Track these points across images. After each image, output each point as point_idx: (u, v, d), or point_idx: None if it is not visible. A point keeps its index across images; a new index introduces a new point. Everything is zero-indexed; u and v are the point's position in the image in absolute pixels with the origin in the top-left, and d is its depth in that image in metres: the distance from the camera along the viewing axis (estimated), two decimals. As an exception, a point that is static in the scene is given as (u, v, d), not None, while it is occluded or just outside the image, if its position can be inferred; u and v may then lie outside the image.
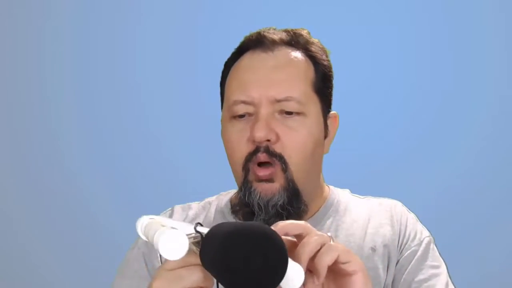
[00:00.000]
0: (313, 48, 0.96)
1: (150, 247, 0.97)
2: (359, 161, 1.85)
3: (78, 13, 2.00)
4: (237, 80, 0.94)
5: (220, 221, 0.97)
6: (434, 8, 1.94)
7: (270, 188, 0.90)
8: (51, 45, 2.00)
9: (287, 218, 0.86)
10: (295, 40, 0.96)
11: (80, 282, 1.95)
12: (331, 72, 0.98)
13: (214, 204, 1.04)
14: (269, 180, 0.90)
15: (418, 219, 1.02)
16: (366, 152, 1.88)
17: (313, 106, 0.93)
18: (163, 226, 0.65)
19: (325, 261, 0.67)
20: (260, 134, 0.88)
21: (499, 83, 1.94)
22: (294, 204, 0.91)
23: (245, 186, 0.92)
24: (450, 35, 1.94)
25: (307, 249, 0.67)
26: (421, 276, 0.93)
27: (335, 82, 1.01)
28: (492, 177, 1.93)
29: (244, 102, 0.91)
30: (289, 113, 0.91)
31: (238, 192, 0.94)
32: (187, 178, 1.94)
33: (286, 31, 0.97)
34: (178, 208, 1.05)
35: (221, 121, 0.98)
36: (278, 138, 0.90)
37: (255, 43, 0.96)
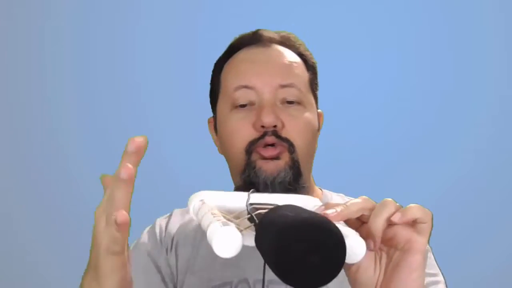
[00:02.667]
0: (302, 48, 1.00)
1: (153, 244, 0.98)
2: (358, 161, 1.85)
3: (78, 13, 2.00)
4: (237, 70, 0.97)
5: None
6: (434, 8, 1.94)
7: (276, 166, 0.91)
8: (51, 45, 2.00)
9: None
10: (287, 41, 1.00)
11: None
12: (317, 73, 1.02)
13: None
14: (275, 158, 0.91)
15: None
16: (366, 153, 1.88)
17: (310, 99, 0.97)
18: (215, 215, 0.64)
19: (379, 220, 0.64)
20: (269, 119, 0.90)
21: (499, 83, 1.94)
22: (299, 182, 0.92)
23: (249, 166, 0.92)
24: (450, 35, 1.94)
25: (377, 223, 0.64)
26: None
27: (335, 81, 1.01)
28: (492, 177, 1.93)
29: (246, 87, 0.93)
30: (290, 102, 0.93)
31: (240, 176, 0.93)
32: (188, 178, 1.94)
33: (276, 32, 1.01)
34: (177, 212, 1.05)
35: (216, 117, 1.01)
36: (283, 125, 0.92)
37: (250, 40, 0.99)
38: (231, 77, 0.96)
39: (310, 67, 0.99)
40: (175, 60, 1.99)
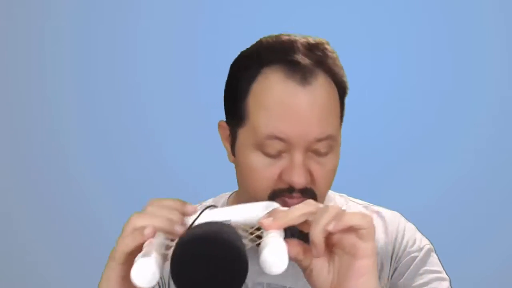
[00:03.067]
0: (336, 69, 0.89)
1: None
2: (358, 161, 1.85)
3: (78, 13, 2.00)
4: (268, 112, 0.85)
5: None
6: (434, 8, 1.94)
7: None
8: (51, 45, 2.00)
9: (306, 237, 0.81)
10: (324, 61, 0.87)
11: (80, 282, 1.95)
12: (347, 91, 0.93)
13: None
14: None
15: (417, 229, 1.00)
16: (366, 153, 1.88)
17: (339, 133, 0.90)
18: (148, 245, 0.66)
19: (317, 228, 0.66)
20: (301, 181, 0.84)
21: (499, 83, 1.94)
22: None
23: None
24: (450, 35, 1.94)
25: (315, 231, 0.66)
26: (420, 281, 0.92)
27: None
28: (492, 178, 1.93)
29: (278, 139, 0.84)
30: (325, 153, 0.86)
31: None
32: (188, 179, 1.94)
33: (310, 46, 0.88)
34: None
35: (236, 139, 0.91)
36: (311, 175, 0.86)
37: (281, 58, 0.86)
38: (262, 119, 0.85)
39: (341, 91, 0.90)
40: (175, 60, 1.99)
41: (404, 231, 0.97)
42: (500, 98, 1.93)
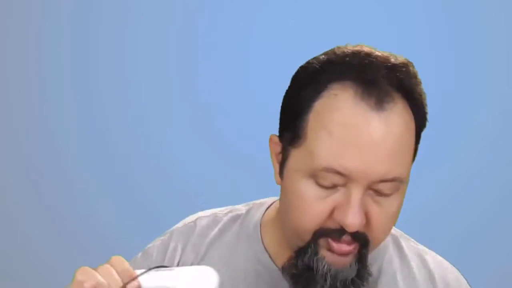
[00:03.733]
0: (418, 97, 0.77)
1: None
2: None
3: (78, 13, 2.00)
4: (330, 137, 0.72)
5: (239, 249, 0.85)
6: (434, 8, 1.94)
7: (343, 261, 0.75)
8: (51, 45, 2.00)
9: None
10: (405, 85, 0.75)
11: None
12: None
13: (238, 223, 0.88)
14: (344, 255, 0.75)
15: None
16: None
17: (408, 177, 0.77)
18: None
19: None
20: (356, 222, 0.72)
21: (499, 83, 1.94)
22: (364, 275, 0.77)
23: (311, 249, 0.75)
24: (450, 35, 1.94)
25: None
26: None
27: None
28: (492, 178, 1.93)
29: (338, 173, 0.72)
30: (388, 195, 0.74)
31: (297, 250, 0.77)
32: (188, 179, 1.94)
33: (392, 65, 0.75)
34: (176, 236, 0.90)
35: (283, 150, 0.79)
36: (367, 218, 0.74)
37: (355, 74, 0.73)
38: (322, 145, 0.72)
39: (421, 123, 0.78)
40: (175, 60, 1.99)
41: None
42: (500, 98, 1.93)
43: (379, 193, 0.74)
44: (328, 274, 0.74)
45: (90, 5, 1.99)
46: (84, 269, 0.68)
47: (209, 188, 1.88)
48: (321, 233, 0.74)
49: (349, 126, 0.71)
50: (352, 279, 0.75)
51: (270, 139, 0.82)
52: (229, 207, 0.92)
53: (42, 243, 1.99)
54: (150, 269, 0.66)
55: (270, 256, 0.83)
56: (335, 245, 0.74)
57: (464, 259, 1.81)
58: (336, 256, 0.75)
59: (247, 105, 1.88)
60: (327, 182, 0.73)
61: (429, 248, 0.96)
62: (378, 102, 0.72)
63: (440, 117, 1.94)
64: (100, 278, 0.66)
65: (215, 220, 0.89)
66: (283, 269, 0.79)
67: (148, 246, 0.92)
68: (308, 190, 0.74)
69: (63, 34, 2.00)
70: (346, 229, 0.72)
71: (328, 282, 0.74)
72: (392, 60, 0.75)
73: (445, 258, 0.97)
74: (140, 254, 0.92)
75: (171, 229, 0.92)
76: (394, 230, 0.90)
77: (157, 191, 1.95)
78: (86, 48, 2.00)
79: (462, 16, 1.92)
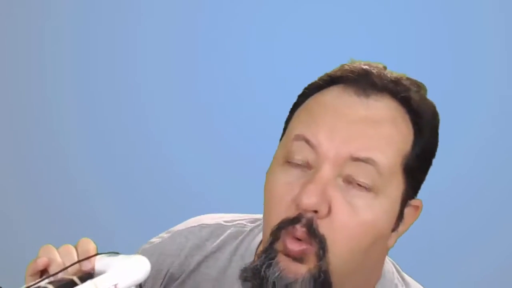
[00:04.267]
0: (424, 115, 0.74)
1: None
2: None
3: (78, 13, 2.00)
4: (309, 113, 0.71)
5: (231, 272, 0.80)
6: (434, 8, 1.94)
7: (296, 271, 0.68)
8: (51, 45, 2.00)
9: None
10: (404, 94, 0.73)
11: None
12: (435, 147, 0.77)
13: (238, 240, 0.82)
14: (298, 259, 0.68)
15: None
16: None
17: (394, 187, 0.71)
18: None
19: None
20: (309, 200, 0.66)
21: (499, 83, 1.93)
22: None
23: (268, 253, 0.70)
24: (450, 35, 1.94)
25: None
26: None
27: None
28: (492, 178, 1.93)
29: (307, 142, 0.69)
30: (360, 186, 0.68)
31: (260, 253, 0.72)
32: (188, 178, 1.94)
33: (396, 79, 0.74)
34: (174, 238, 0.86)
35: (272, 163, 0.75)
36: (329, 212, 0.67)
37: (351, 77, 0.73)
38: (298, 120, 0.72)
39: (422, 143, 0.72)
40: (175, 60, 1.99)
41: None
42: (500, 98, 1.93)
43: (350, 181, 0.68)
44: (277, 284, 0.68)
45: (90, 5, 1.99)
46: (46, 247, 0.70)
47: (209, 188, 1.88)
48: (280, 226, 0.69)
49: (328, 105, 0.71)
50: None
51: None
52: (236, 217, 0.86)
53: (42, 243, 1.99)
54: (102, 253, 0.69)
55: None
56: (288, 242, 0.68)
57: (464, 259, 1.81)
58: (289, 261, 0.68)
59: (247, 105, 1.88)
60: (298, 156, 0.69)
61: (429, 248, 0.95)
62: (365, 92, 0.71)
63: (440, 117, 1.94)
64: (57, 255, 0.67)
65: (217, 232, 0.83)
66: (241, 271, 0.73)
67: (149, 243, 0.89)
68: (279, 176, 0.71)
69: (63, 34, 2.00)
70: (300, 205, 0.67)
71: None
72: (403, 78, 0.74)
73: (444, 258, 0.97)
74: (140, 249, 0.89)
75: (174, 230, 0.87)
76: (398, 279, 0.81)
77: (157, 191, 1.95)
78: (86, 48, 2.00)
79: (462, 16, 1.92)
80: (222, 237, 0.82)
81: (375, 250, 0.71)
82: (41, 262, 0.67)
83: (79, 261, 0.65)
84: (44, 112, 2.01)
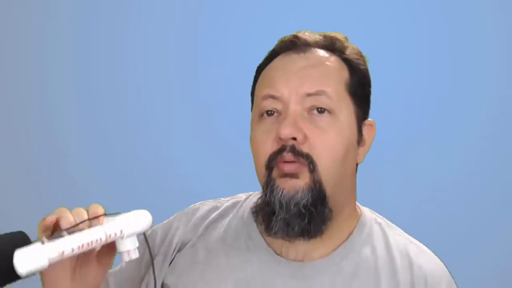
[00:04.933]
0: (348, 52, 0.93)
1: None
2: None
3: (78, 13, 2.00)
4: (267, 78, 0.91)
5: (235, 229, 0.94)
6: (434, 8, 1.94)
7: (294, 185, 0.84)
8: (51, 45, 2.00)
9: (309, 221, 0.84)
10: (329, 44, 0.92)
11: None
12: (368, 78, 0.96)
13: (237, 207, 0.98)
14: (294, 175, 0.84)
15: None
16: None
17: (346, 106, 0.89)
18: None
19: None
20: (286, 131, 0.84)
21: (499, 83, 1.93)
22: (319, 207, 0.84)
23: (267, 184, 0.86)
24: (450, 35, 1.94)
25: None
26: None
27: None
28: (492, 178, 1.93)
29: (272, 97, 0.87)
30: (320, 110, 0.86)
31: (262, 193, 0.89)
32: (188, 178, 1.94)
33: (321, 34, 0.94)
34: (180, 216, 1.00)
35: (250, 126, 0.93)
36: (306, 138, 0.85)
37: (288, 45, 0.93)
38: (262, 85, 0.91)
39: (356, 71, 0.92)
40: (175, 60, 1.99)
41: None
42: (500, 98, 1.93)
43: (314, 110, 0.87)
44: (283, 200, 0.84)
45: (90, 5, 1.99)
46: (59, 208, 0.80)
47: (209, 188, 1.88)
48: (270, 161, 0.85)
49: (279, 66, 0.91)
50: (305, 205, 0.83)
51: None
52: (233, 196, 1.01)
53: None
54: (110, 213, 0.80)
55: (261, 234, 0.92)
56: (281, 166, 0.84)
57: (464, 259, 1.81)
58: (288, 180, 0.84)
59: (247, 105, 1.88)
60: (268, 107, 0.88)
61: (429, 248, 0.95)
62: (300, 50, 0.91)
63: (440, 117, 1.95)
64: (69, 215, 0.78)
65: (217, 205, 0.98)
66: (251, 209, 0.91)
67: (157, 225, 1.00)
68: (258, 128, 0.89)
69: (63, 34, 2.00)
70: (281, 138, 0.84)
71: (283, 209, 0.83)
72: (319, 34, 0.94)
73: (445, 259, 0.97)
74: (149, 231, 0.98)
75: (178, 213, 1.01)
76: (380, 218, 0.96)
77: (157, 191, 1.95)
78: (86, 48, 2.00)
79: (462, 16, 1.92)
80: (222, 208, 0.97)
81: (348, 161, 0.89)
82: (49, 220, 0.79)
83: (89, 219, 0.77)
84: (44, 112, 2.01)
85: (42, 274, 0.80)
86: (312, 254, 0.88)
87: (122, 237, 0.77)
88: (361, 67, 0.93)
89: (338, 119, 0.87)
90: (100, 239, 0.75)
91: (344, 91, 0.89)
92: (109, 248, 0.79)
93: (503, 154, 1.93)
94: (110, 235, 0.75)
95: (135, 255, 0.78)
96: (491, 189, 1.92)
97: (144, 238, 0.81)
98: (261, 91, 0.90)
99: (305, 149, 0.84)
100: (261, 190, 0.89)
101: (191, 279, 0.91)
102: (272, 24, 1.89)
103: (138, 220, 0.79)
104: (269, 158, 0.85)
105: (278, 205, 0.84)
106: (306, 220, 0.84)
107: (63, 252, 0.72)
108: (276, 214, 0.84)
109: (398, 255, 0.90)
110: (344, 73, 0.90)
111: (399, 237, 0.93)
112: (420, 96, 1.93)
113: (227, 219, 0.96)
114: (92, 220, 0.78)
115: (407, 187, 1.88)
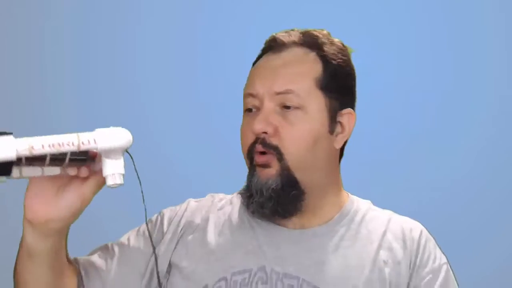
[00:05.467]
0: (325, 48, 1.02)
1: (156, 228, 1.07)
2: (358, 161, 1.85)
3: (78, 13, 2.00)
4: (249, 78, 1.03)
5: (240, 213, 1.05)
6: (434, 8, 1.94)
7: (267, 174, 0.97)
8: (51, 45, 2.00)
9: (279, 203, 0.97)
10: (308, 41, 1.02)
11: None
12: (348, 70, 1.04)
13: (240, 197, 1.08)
14: (266, 165, 0.97)
15: (436, 244, 1.02)
16: (365, 153, 1.88)
17: (315, 101, 0.99)
18: None
19: None
20: (257, 126, 0.96)
21: (499, 83, 1.94)
22: (288, 189, 0.97)
23: (250, 171, 1.00)
24: (450, 35, 1.94)
25: None
26: None
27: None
28: (492, 178, 1.93)
29: (251, 95, 1.00)
30: (288, 107, 0.97)
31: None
32: (187, 178, 1.94)
33: (302, 32, 1.03)
34: (192, 202, 1.10)
35: None
36: (276, 131, 0.97)
37: (268, 46, 1.04)
38: (246, 84, 1.03)
39: (330, 66, 1.01)
40: (175, 60, 1.99)
41: (425, 244, 1.00)
42: (500, 98, 1.93)
43: (284, 107, 0.97)
44: (258, 186, 0.97)
45: (90, 5, 1.99)
46: None
47: (209, 187, 1.88)
48: (250, 152, 0.98)
49: (259, 67, 1.03)
50: (275, 189, 0.96)
51: None
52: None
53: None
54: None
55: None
56: (256, 157, 0.97)
57: (464, 259, 1.81)
58: (262, 169, 0.97)
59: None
60: (249, 105, 1.00)
61: (432, 237, 1.00)
62: (278, 50, 1.02)
63: (440, 117, 1.95)
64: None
65: (226, 196, 1.10)
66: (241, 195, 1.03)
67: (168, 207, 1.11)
68: (243, 122, 1.02)
69: (63, 34, 2.00)
70: (254, 132, 0.96)
71: (258, 194, 0.97)
72: (299, 32, 1.04)
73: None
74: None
75: (190, 198, 1.12)
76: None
77: (157, 190, 1.95)
78: (86, 48, 2.00)
79: (462, 16, 1.92)
80: (229, 198, 1.09)
81: (321, 148, 0.99)
82: None
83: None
84: (44, 112, 2.01)
85: (25, 201, 0.85)
86: (310, 224, 1.01)
87: (96, 148, 0.76)
88: (338, 60, 1.02)
89: (307, 113, 0.98)
90: (72, 143, 0.76)
91: (314, 87, 0.99)
92: (93, 178, 0.84)
93: (503, 154, 1.93)
94: (82, 142, 0.76)
95: (119, 180, 0.81)
96: (491, 189, 1.92)
97: (130, 156, 0.86)
98: (245, 90, 1.03)
99: (274, 141, 0.96)
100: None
101: (199, 257, 0.99)
102: (272, 24, 1.89)
103: (114, 134, 0.80)
104: (248, 149, 0.99)
105: (254, 190, 0.98)
106: (273, 202, 0.96)
107: (32, 147, 0.73)
108: (253, 197, 0.98)
109: (386, 216, 1.03)
110: (317, 69, 1.00)
111: (383, 210, 1.06)
112: (420, 96, 1.93)
113: (232, 205, 1.06)
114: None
115: (407, 187, 1.88)
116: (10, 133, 0.75)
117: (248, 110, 1.01)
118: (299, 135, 0.97)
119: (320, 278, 0.94)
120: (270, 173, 0.97)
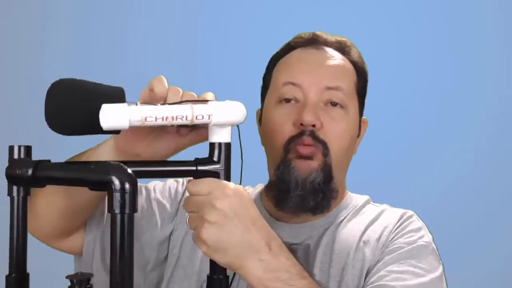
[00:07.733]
0: (355, 56, 1.04)
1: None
2: (358, 161, 1.85)
3: (78, 13, 2.00)
4: (288, 67, 1.01)
5: None
6: (434, 8, 1.94)
7: (309, 166, 0.95)
8: (51, 45, 2.00)
9: (322, 198, 0.96)
10: (341, 46, 1.03)
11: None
12: (367, 79, 1.07)
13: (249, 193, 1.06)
14: (310, 157, 0.95)
15: (429, 232, 0.98)
16: (365, 153, 1.88)
17: (354, 104, 1.00)
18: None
19: None
20: (309, 118, 0.94)
21: (499, 83, 1.94)
22: (330, 185, 0.96)
23: (284, 163, 0.96)
24: (450, 35, 1.94)
25: None
26: (395, 268, 0.88)
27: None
28: (492, 178, 1.93)
29: (292, 84, 0.97)
30: (334, 104, 0.97)
31: (275, 171, 0.97)
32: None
33: (333, 36, 1.05)
34: None
35: (263, 108, 1.04)
36: (322, 126, 0.95)
37: (307, 41, 1.03)
38: (282, 73, 1.01)
39: (361, 74, 1.03)
40: (175, 60, 1.99)
41: (409, 225, 0.97)
42: (500, 98, 1.93)
43: (329, 103, 0.97)
44: (299, 179, 0.94)
45: (90, 5, 1.99)
46: (159, 78, 0.86)
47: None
48: (289, 143, 0.95)
49: (301, 57, 1.01)
50: (319, 183, 0.94)
51: (256, 113, 1.08)
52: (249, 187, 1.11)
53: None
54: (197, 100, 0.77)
55: (266, 210, 1.02)
56: (300, 148, 0.94)
57: (464, 259, 1.81)
58: (303, 161, 0.95)
59: (247, 105, 1.88)
60: (288, 95, 0.98)
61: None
62: (319, 47, 1.02)
63: (440, 117, 1.95)
64: (162, 85, 0.84)
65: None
66: (265, 190, 1.02)
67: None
68: (277, 112, 0.98)
69: (63, 34, 2.00)
70: (303, 123, 0.94)
71: (299, 187, 0.94)
72: (332, 36, 1.05)
73: (445, 259, 0.97)
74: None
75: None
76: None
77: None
78: (86, 47, 2.00)
79: (462, 16, 1.92)
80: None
81: (351, 150, 1.02)
82: (143, 92, 0.86)
83: (194, 101, 0.78)
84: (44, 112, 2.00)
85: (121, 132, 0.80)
86: (310, 219, 0.99)
87: (209, 123, 0.74)
88: (365, 70, 1.05)
89: (348, 113, 0.98)
90: (186, 117, 0.73)
91: (353, 90, 1.01)
92: (194, 135, 0.85)
93: (503, 154, 1.93)
94: (196, 116, 0.73)
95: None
96: (491, 189, 1.92)
97: (238, 131, 0.81)
98: (280, 78, 1.00)
99: (321, 135, 0.95)
100: (275, 168, 0.97)
101: (191, 248, 0.98)
102: (272, 25, 1.89)
103: (230, 109, 0.75)
104: (288, 140, 0.95)
105: (294, 183, 0.94)
106: (321, 195, 0.95)
107: (145, 118, 0.72)
108: (291, 191, 0.94)
109: (379, 209, 1.03)
110: (354, 74, 1.02)
111: (381, 204, 1.06)
112: (420, 96, 1.93)
113: None
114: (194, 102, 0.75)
115: (407, 187, 1.88)
116: (123, 95, 0.76)
117: (285, 100, 0.98)
118: (341, 134, 0.97)
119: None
120: (312, 166, 0.95)
